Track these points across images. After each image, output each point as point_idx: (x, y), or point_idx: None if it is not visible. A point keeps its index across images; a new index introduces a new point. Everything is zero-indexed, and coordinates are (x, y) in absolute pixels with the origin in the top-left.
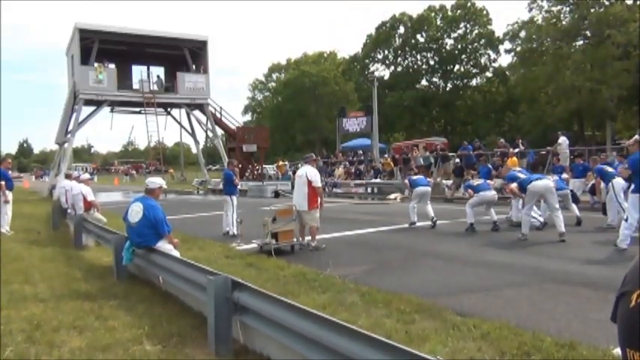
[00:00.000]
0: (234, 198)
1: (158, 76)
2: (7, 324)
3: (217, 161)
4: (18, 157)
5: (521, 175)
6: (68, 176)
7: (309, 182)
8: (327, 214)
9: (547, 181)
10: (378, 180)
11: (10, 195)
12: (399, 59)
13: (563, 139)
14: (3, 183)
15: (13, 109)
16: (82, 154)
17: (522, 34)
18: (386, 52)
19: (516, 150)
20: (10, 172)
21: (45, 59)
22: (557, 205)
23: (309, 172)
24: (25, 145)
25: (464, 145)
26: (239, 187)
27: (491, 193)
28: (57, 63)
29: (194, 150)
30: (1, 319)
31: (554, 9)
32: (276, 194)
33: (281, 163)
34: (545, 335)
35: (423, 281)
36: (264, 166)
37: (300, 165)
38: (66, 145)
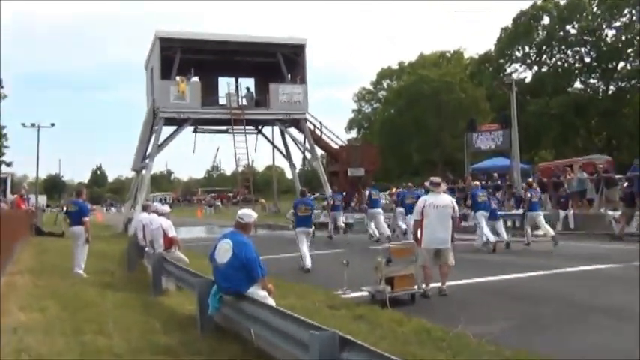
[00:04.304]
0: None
1: (248, 89)
2: None
3: (315, 188)
4: (91, 186)
5: None
6: (146, 208)
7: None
8: (456, 255)
9: None
10: (520, 211)
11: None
12: (544, 57)
13: None
14: (88, 219)
15: (88, 131)
16: (162, 182)
17: None
18: (526, 48)
19: None
20: (88, 204)
21: (117, 74)
22: None
23: (454, 200)
24: (98, 172)
25: (635, 164)
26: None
27: None
28: (129, 78)
29: (289, 175)
30: None
31: None
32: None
33: (395, 190)
34: None
35: (588, 345)
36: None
37: (405, 191)
38: (144, 171)
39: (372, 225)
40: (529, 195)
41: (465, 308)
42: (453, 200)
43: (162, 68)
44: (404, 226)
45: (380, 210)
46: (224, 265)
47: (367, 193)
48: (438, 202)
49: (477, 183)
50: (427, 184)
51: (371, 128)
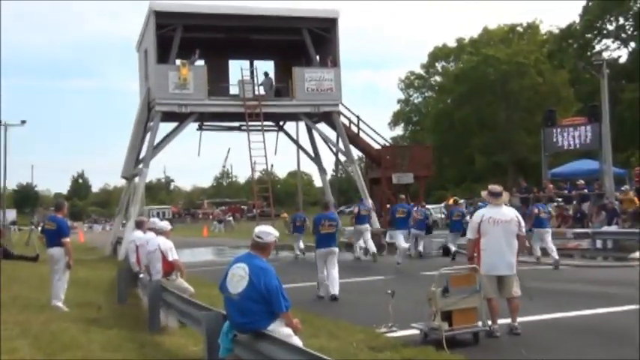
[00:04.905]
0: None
1: (266, 74)
2: None
3: (353, 199)
4: (71, 198)
5: None
6: (140, 225)
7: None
8: (530, 284)
9: None
10: (613, 228)
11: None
12: None
13: None
14: (69, 240)
15: (67, 130)
16: (159, 192)
17: None
18: (620, 19)
19: None
20: (68, 221)
21: (102, 57)
22: None
23: (518, 214)
24: (80, 180)
25: None
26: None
27: None
28: (118, 62)
29: (318, 183)
30: None
31: None
32: (446, 251)
33: (453, 200)
34: None
35: None
36: (425, 205)
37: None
38: (137, 179)
39: (358, 244)
40: (536, 210)
41: (540, 351)
42: (518, 214)
43: (158, 49)
44: (405, 246)
45: (367, 226)
46: (238, 296)
47: (356, 209)
48: (499, 216)
49: None
50: (484, 193)
51: (422, 123)
